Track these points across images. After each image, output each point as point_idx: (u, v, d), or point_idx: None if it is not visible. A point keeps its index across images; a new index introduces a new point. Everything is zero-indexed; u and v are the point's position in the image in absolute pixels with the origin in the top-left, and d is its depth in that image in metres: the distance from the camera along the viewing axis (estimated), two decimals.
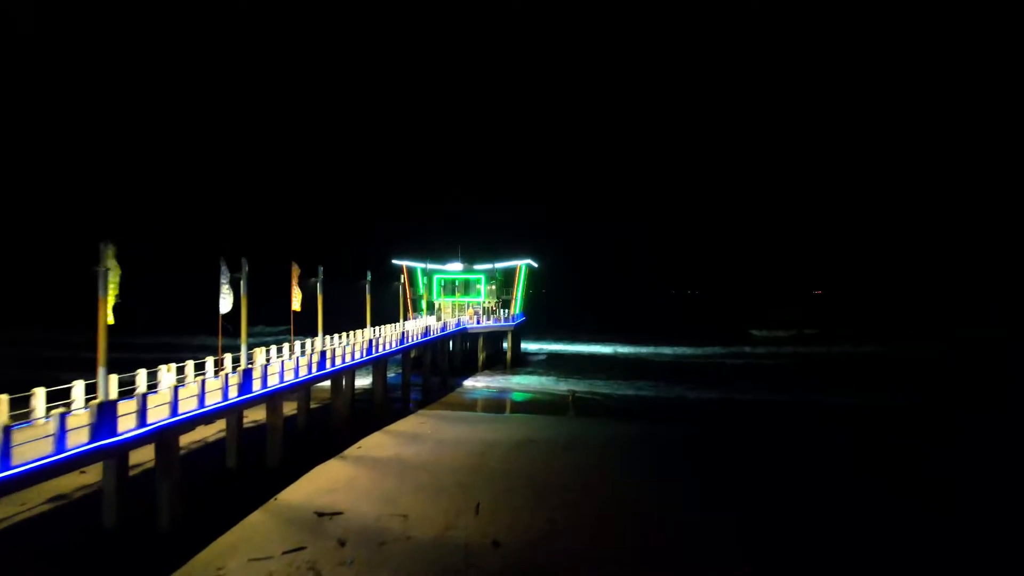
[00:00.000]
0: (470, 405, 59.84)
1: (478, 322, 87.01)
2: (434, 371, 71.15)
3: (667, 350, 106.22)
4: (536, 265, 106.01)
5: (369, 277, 44.84)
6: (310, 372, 36.49)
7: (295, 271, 41.73)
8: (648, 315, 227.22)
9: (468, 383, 72.37)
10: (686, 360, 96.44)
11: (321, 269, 42.16)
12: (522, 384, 72.22)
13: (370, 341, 46.01)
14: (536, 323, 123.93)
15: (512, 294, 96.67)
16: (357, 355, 43.93)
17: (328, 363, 39.22)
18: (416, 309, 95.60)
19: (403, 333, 55.07)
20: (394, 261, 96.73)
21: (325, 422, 43.20)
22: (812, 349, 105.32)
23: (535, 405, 60.48)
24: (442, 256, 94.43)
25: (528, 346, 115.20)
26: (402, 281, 57.68)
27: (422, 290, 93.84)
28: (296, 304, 41.70)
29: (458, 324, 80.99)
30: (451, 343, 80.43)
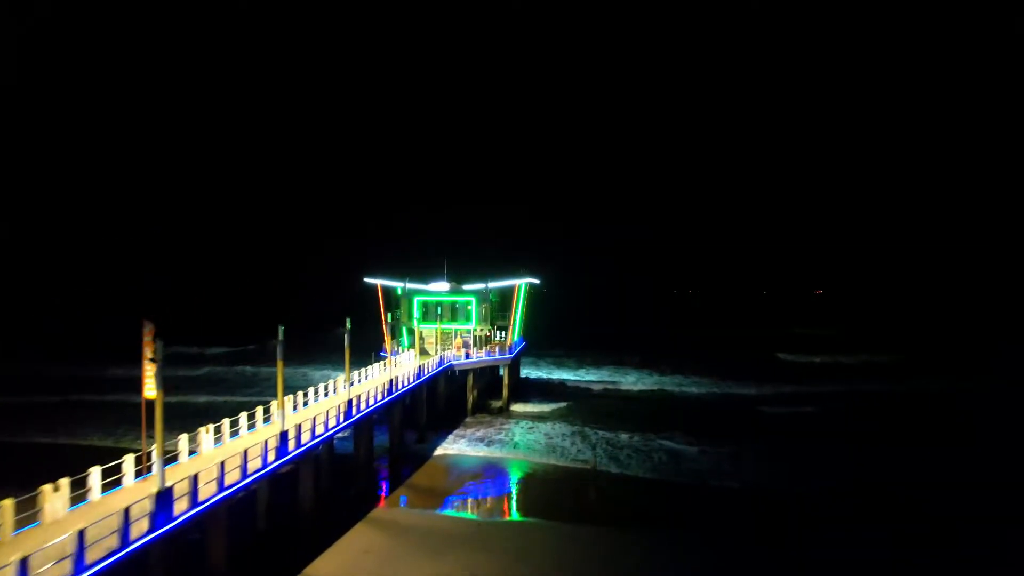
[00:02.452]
0: (448, 491, 43.44)
1: (467, 355, 70.79)
2: (408, 424, 55.26)
3: (692, 387, 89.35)
4: (537, 282, 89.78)
5: (282, 335, 28.72)
6: (123, 545, 19.67)
7: (148, 332, 25.40)
8: (656, 324, 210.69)
9: (451, 443, 56.07)
10: (717, 401, 79.74)
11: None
12: (523, 446, 55.72)
13: (283, 434, 29.55)
14: (539, 343, 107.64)
15: (509, 319, 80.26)
16: (254, 464, 27.51)
17: (188, 499, 22.79)
18: (395, 337, 79.34)
19: (350, 402, 38.60)
20: (367, 279, 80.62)
21: None
22: (855, 386, 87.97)
23: (542, 491, 44.13)
24: (424, 274, 78.15)
25: (530, 373, 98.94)
26: (344, 327, 40.55)
27: (401, 314, 77.63)
28: (150, 388, 25.34)
29: (440, 362, 64.64)
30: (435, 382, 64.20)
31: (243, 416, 32.50)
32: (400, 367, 62.81)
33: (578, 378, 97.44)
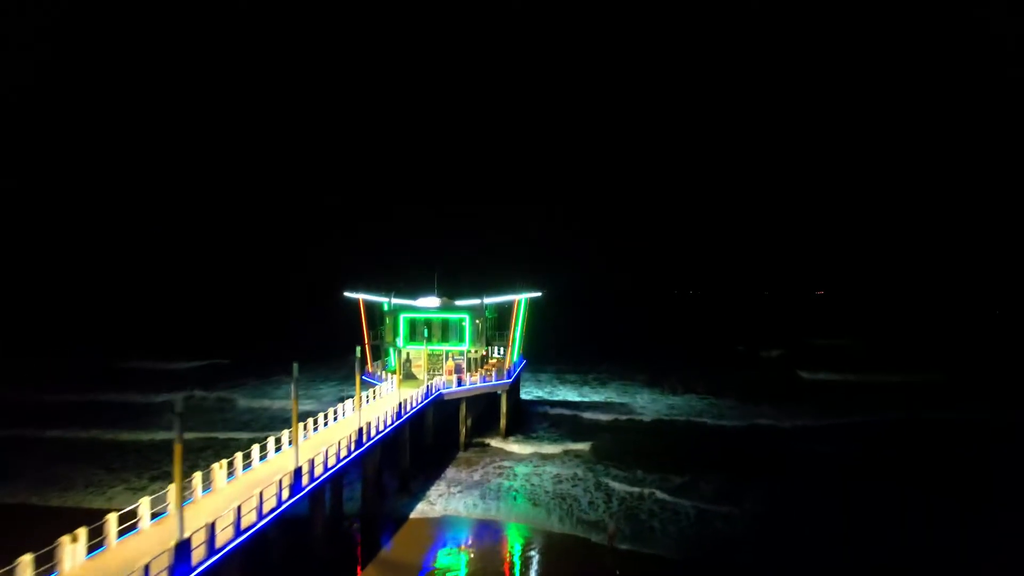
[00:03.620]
0: (429, 574, 34.37)
1: (459, 382, 61.79)
2: (389, 465, 46.44)
3: (711, 412, 79.96)
4: (539, 295, 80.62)
5: (181, 406, 19.68)
6: None
7: None
8: (658, 327, 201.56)
9: (439, 495, 47.00)
10: (743, 434, 69.91)
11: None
12: (523, 499, 46.62)
13: (182, 545, 20.48)
14: (539, 355, 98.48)
15: (508, 338, 71.23)
16: None
17: None
18: (377, 358, 70.37)
19: (298, 470, 29.50)
20: (347, 294, 71.62)
21: None
22: (905, 415, 77.80)
23: (544, 573, 35.10)
24: (412, 288, 69.18)
25: (532, 391, 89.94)
26: (292, 375, 31.19)
27: (386, 332, 68.59)
28: None
29: (427, 393, 55.66)
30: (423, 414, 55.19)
31: (112, 519, 22.97)
32: (380, 401, 53.85)
33: (583, 399, 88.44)
